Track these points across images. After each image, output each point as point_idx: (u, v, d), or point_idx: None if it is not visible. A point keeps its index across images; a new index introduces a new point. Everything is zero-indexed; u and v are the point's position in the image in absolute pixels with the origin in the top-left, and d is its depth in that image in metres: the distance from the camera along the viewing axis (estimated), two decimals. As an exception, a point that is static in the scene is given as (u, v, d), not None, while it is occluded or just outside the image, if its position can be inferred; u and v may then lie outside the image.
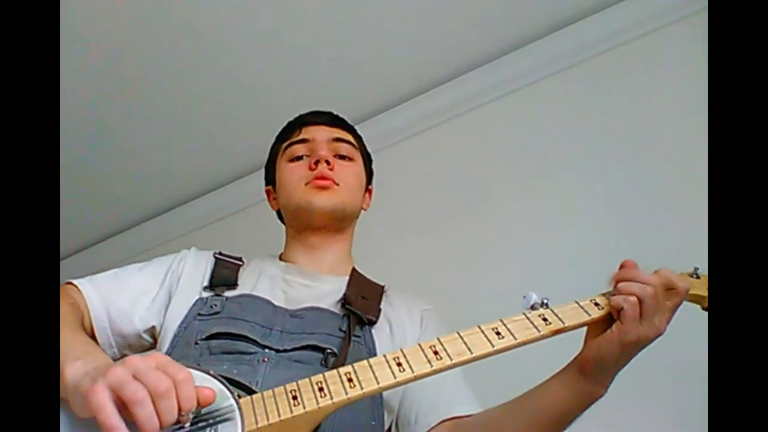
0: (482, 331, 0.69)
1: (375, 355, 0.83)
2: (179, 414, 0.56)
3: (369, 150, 1.15)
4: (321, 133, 1.05)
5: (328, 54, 1.87)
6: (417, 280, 1.75)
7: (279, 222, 1.12)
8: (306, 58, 1.88)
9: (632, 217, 1.57)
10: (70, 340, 0.70)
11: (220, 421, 0.60)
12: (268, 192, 1.13)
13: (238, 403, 0.61)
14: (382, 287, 0.99)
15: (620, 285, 0.71)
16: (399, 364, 0.66)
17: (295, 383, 0.65)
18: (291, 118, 1.12)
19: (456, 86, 1.98)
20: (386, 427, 0.85)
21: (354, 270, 1.00)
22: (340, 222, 1.01)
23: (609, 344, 0.70)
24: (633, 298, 0.69)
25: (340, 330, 0.86)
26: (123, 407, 0.55)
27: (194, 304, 0.89)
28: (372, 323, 0.89)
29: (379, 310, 0.92)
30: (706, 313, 0.74)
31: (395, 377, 0.65)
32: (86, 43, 1.76)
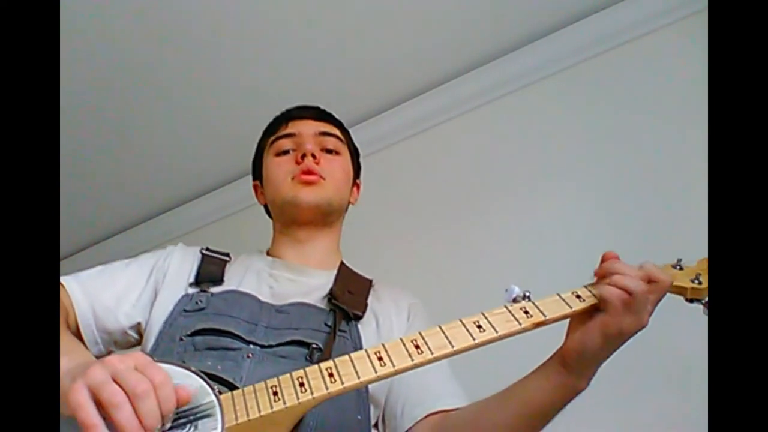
0: (464, 325, 0.69)
1: (361, 349, 0.83)
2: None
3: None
4: (307, 127, 1.05)
5: (328, 55, 1.87)
6: (411, 280, 1.74)
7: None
8: (306, 58, 1.87)
9: (630, 218, 1.56)
10: None
11: (200, 418, 0.60)
12: (255, 187, 1.13)
13: (218, 399, 0.61)
14: (370, 281, 0.99)
15: (614, 278, 0.70)
16: (380, 359, 0.66)
17: (276, 379, 0.65)
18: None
19: (455, 87, 1.97)
20: (373, 422, 0.85)
21: (342, 264, 1.00)
22: (326, 216, 1.01)
23: (591, 334, 0.70)
24: (618, 290, 0.68)
25: (326, 325, 0.86)
26: (103, 407, 0.55)
27: (179, 300, 0.88)
28: (358, 318, 0.89)
29: (366, 304, 0.92)
30: (706, 312, 0.74)
31: (376, 372, 0.65)
32: (87, 43, 1.75)
